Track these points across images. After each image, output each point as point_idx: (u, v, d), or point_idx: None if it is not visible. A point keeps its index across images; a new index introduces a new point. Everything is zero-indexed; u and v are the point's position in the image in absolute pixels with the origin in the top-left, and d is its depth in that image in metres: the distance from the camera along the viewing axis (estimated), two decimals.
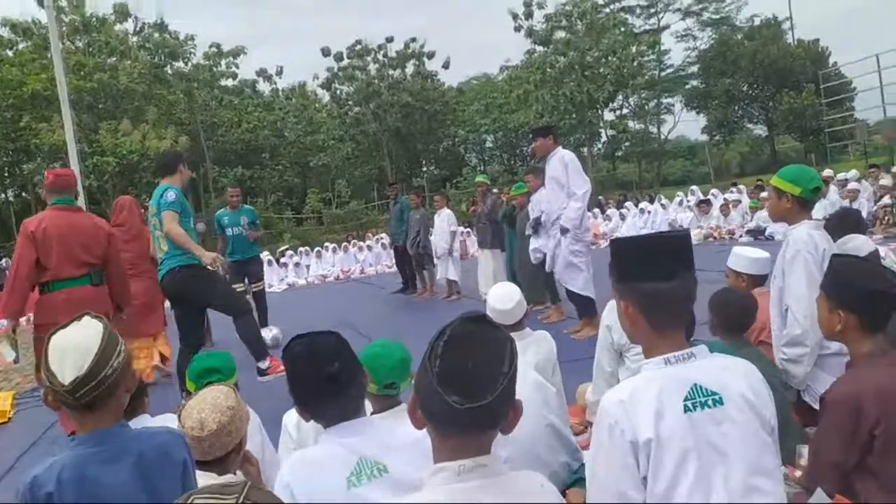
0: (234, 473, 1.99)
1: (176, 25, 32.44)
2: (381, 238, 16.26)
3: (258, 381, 4.60)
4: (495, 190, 10.92)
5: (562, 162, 5.34)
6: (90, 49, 27.26)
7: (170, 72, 30.39)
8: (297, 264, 15.91)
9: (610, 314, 3.13)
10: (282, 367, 4.77)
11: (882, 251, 3.36)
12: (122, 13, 28.55)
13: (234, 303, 4.78)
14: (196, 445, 1.71)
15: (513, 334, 2.98)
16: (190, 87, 30.18)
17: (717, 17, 36.24)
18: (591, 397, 3.28)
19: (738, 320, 2.73)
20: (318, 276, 15.62)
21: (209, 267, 4.36)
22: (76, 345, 1.45)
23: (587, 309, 5.51)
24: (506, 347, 1.19)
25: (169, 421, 2.65)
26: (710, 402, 1.42)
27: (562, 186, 5.40)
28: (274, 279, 15.21)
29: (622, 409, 1.42)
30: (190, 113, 30.66)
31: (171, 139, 24.65)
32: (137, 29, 30.06)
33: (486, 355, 1.16)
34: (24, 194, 31.24)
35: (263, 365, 4.62)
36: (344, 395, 1.75)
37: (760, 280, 3.26)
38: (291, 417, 2.53)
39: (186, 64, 30.77)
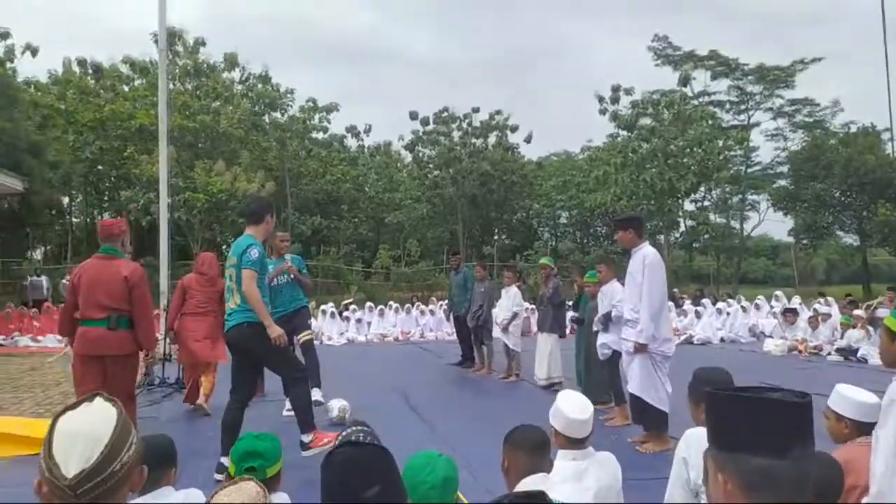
0: None
1: (278, 78, 34.43)
2: (444, 304, 16.09)
3: (302, 454, 4.47)
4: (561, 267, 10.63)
5: (643, 261, 5.07)
6: (197, 92, 29.23)
7: (267, 121, 32.09)
8: (358, 320, 15.90)
9: (687, 447, 2.78)
10: (326, 441, 4.61)
11: None
12: (231, 62, 30.60)
13: (292, 368, 4.75)
14: None
15: (576, 452, 2.70)
16: (283, 137, 31.69)
17: (811, 120, 35.35)
18: None
19: (826, 495, 2.23)
20: (378, 334, 15.54)
21: (272, 340, 4.42)
22: (85, 431, 1.27)
23: (658, 423, 5.08)
24: None
25: (192, 498, 2.49)
26: None
27: (638, 284, 5.11)
28: (334, 332, 15.26)
29: None
30: (280, 160, 32.09)
31: (259, 183, 25.76)
32: (243, 78, 32.07)
33: None
34: (118, 218, 33.19)
35: (307, 438, 4.50)
36: None
37: (866, 428, 2.83)
38: None
39: (283, 115, 32.44)
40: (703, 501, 2.69)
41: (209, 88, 29.17)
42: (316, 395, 6.13)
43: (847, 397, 2.92)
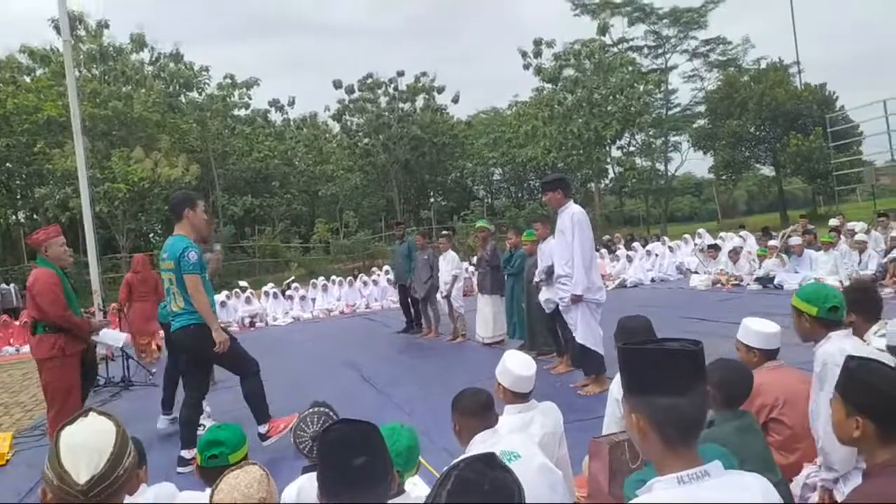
0: None
1: (191, 56, 33.04)
2: (388, 272, 16.21)
3: (262, 445, 4.61)
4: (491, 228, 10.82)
5: (571, 219, 5.35)
6: (106, 77, 27.73)
7: (184, 101, 30.81)
8: (302, 297, 15.87)
9: (619, 388, 3.07)
10: (282, 426, 4.74)
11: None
12: (139, 43, 29.10)
13: (241, 364, 4.78)
14: None
15: (521, 405, 2.95)
16: (203, 117, 30.55)
17: (724, 58, 36.62)
18: None
19: (736, 394, 2.73)
20: (324, 309, 15.58)
21: (216, 346, 4.47)
22: (91, 443, 1.42)
23: (595, 366, 5.46)
24: (514, 496, 1.14)
25: (165, 492, 2.62)
26: None
27: (568, 242, 5.41)
28: (279, 312, 15.20)
29: None
30: (202, 141, 30.99)
31: (182, 167, 24.89)
32: (153, 59, 30.59)
33: None
34: (35, 217, 31.51)
35: (263, 429, 4.63)
36: (366, 491, 1.71)
37: (772, 354, 3.21)
38: (291, 493, 2.48)
39: (200, 94, 31.21)
40: None
41: (118, 73, 27.71)
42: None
43: (753, 330, 3.26)
